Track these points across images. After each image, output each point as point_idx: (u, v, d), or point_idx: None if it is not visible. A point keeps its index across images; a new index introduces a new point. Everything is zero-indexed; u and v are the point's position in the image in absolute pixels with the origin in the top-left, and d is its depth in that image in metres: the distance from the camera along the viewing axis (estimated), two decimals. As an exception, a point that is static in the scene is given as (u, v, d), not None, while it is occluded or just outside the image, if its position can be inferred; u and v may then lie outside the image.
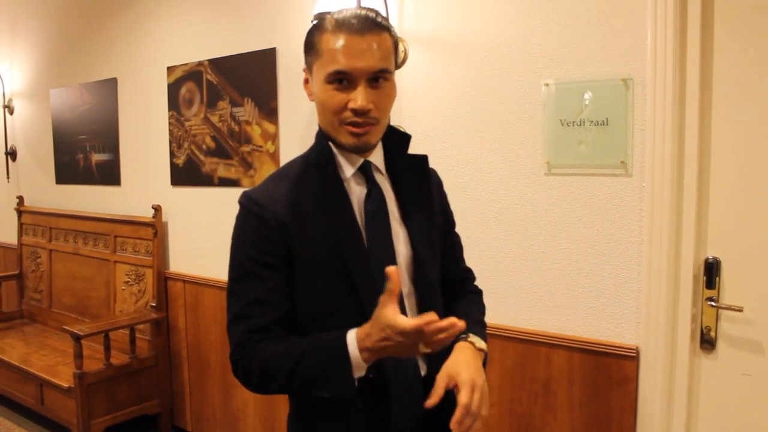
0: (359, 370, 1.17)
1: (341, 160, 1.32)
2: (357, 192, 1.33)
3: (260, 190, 1.32)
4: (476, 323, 1.44)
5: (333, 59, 1.21)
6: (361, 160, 1.33)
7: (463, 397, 1.18)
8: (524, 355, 2.29)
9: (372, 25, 1.22)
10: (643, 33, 1.96)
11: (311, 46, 1.28)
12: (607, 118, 2.05)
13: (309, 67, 1.30)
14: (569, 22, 2.11)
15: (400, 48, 2.51)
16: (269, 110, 3.09)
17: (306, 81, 1.33)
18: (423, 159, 1.44)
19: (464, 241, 2.39)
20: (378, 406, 1.28)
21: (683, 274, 1.99)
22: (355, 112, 1.22)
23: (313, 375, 1.19)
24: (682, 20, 1.92)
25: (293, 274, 1.28)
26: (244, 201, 1.30)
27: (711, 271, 1.98)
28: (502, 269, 2.33)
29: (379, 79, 1.24)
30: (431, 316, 1.07)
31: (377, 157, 1.37)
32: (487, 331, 2.30)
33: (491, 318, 2.34)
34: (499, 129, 2.30)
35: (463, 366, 1.24)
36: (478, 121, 2.35)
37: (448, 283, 1.49)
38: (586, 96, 2.08)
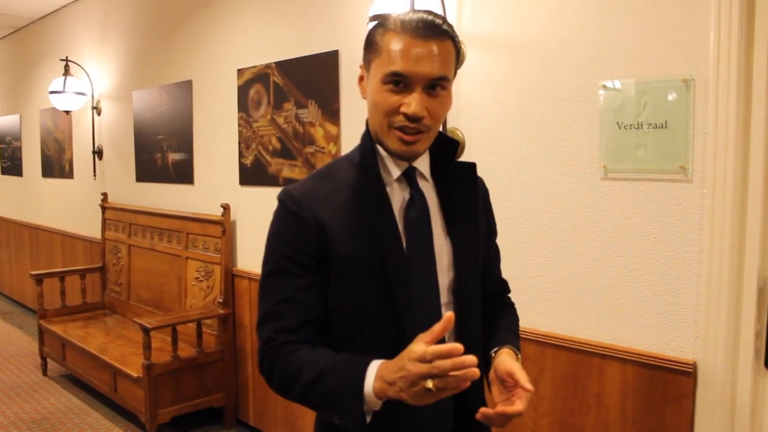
0: (373, 404, 1.11)
1: (386, 163, 1.29)
2: (400, 197, 1.29)
3: (300, 188, 1.30)
4: (517, 337, 1.44)
5: (392, 60, 1.18)
6: (406, 165, 1.29)
7: (520, 406, 1.17)
8: (577, 365, 2.21)
9: (436, 31, 1.19)
10: (706, 30, 1.86)
11: (372, 44, 1.24)
12: (666, 121, 1.95)
13: (367, 65, 1.27)
14: (628, 20, 2.02)
15: (458, 49, 2.48)
16: (332, 112, 3.12)
17: (361, 78, 1.30)
18: (471, 167, 1.38)
19: (518, 246, 2.36)
20: (404, 418, 1.22)
21: (746, 287, 1.87)
22: (408, 117, 1.19)
23: (326, 399, 1.16)
24: (749, 15, 1.80)
25: (327, 276, 1.26)
26: (283, 197, 1.29)
27: (778, 284, 1.85)
28: (556, 276, 2.26)
29: (437, 86, 1.20)
30: (453, 346, 1.00)
31: (423, 163, 1.33)
32: (540, 340, 2.28)
33: (544, 326, 2.30)
34: (556, 131, 2.23)
35: (522, 372, 1.22)
36: (534, 123, 2.29)
37: (486, 296, 1.45)
38: (645, 97, 1.99)
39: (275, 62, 3.40)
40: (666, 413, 2.00)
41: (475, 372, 1.00)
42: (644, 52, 1.99)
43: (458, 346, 1.00)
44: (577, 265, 2.21)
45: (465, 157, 2.47)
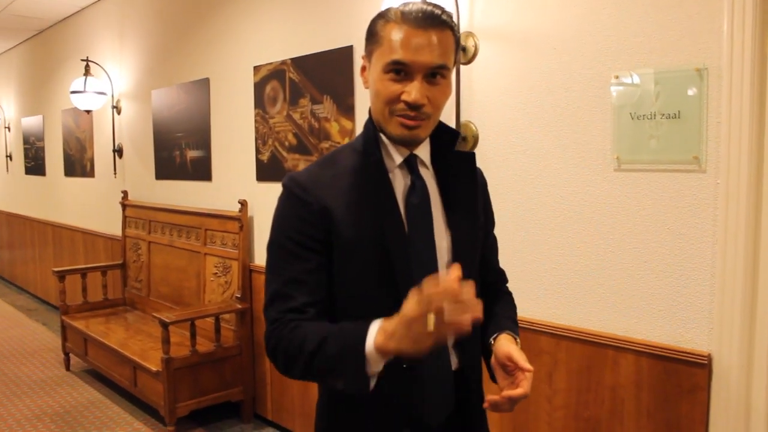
0: (375, 364, 1.13)
1: (389, 149, 1.32)
2: (401, 183, 1.32)
3: (305, 174, 1.32)
4: (515, 323, 1.45)
5: (393, 49, 1.21)
6: (407, 153, 1.32)
7: (523, 389, 1.19)
8: (591, 358, 2.20)
9: (436, 21, 1.22)
10: (719, 19, 1.84)
11: (373, 34, 1.28)
12: (679, 111, 1.93)
13: (368, 55, 1.30)
14: (641, 11, 2.01)
15: (471, 43, 2.49)
16: (346, 107, 3.13)
17: (363, 68, 1.33)
18: (470, 156, 1.41)
19: (531, 239, 2.36)
20: (409, 398, 1.27)
21: (762, 278, 1.85)
22: (409, 105, 1.22)
23: (329, 363, 1.17)
24: (763, 3, 1.78)
25: (331, 260, 1.28)
26: (288, 182, 1.31)
27: (794, 275, 1.83)
28: (569, 267, 2.26)
29: (437, 75, 1.23)
30: (447, 278, 1.02)
31: (424, 152, 1.35)
32: (555, 332, 2.28)
33: (558, 318, 2.29)
34: (569, 123, 2.22)
35: (520, 354, 1.25)
36: (547, 114, 2.28)
37: (483, 284, 1.46)
38: (658, 88, 1.97)
39: (291, 59, 3.42)
40: (681, 405, 1.99)
41: (477, 309, 1.03)
42: (657, 42, 1.98)
43: (453, 277, 1.02)
44: (590, 256, 2.20)
45: (479, 150, 2.48)
